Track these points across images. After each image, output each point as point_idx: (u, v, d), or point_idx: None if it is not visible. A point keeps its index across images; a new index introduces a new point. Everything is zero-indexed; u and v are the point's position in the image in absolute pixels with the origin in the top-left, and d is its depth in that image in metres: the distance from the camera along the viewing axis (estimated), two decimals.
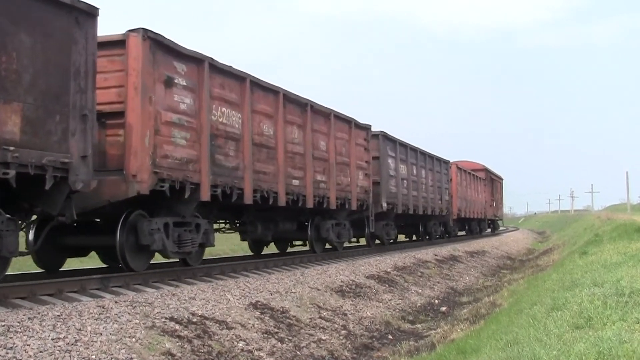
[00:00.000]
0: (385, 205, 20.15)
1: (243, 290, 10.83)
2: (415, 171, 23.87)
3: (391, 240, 23.19)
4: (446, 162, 29.22)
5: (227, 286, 10.86)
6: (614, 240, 17.08)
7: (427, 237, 27.48)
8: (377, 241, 21.83)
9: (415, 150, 24.16)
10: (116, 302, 8.50)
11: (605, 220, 35.87)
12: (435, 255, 22.51)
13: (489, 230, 46.16)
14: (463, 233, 36.67)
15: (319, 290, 12.45)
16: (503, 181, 51.67)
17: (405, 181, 22.59)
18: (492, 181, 44.32)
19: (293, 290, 11.72)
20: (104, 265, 12.24)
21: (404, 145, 22.80)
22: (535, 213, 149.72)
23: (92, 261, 13.30)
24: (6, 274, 8.68)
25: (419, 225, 26.88)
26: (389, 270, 16.85)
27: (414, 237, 28.30)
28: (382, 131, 20.48)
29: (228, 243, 22.28)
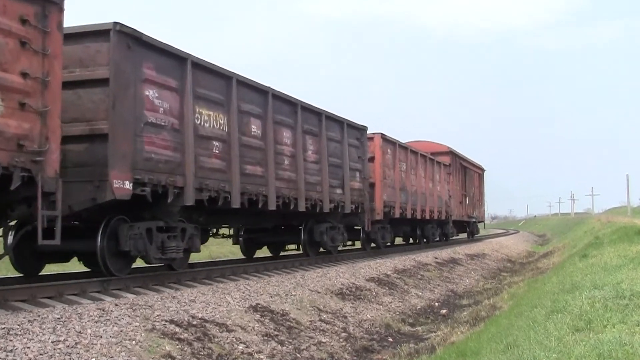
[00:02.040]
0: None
1: (243, 293, 10.82)
2: (271, 132, 13.65)
3: (388, 244, 23.17)
4: (360, 130, 18.60)
5: (227, 289, 10.86)
6: (615, 243, 17.08)
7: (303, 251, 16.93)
8: (372, 244, 21.67)
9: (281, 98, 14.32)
10: (116, 304, 8.50)
11: (605, 223, 35.87)
12: (436, 258, 22.51)
13: (458, 236, 35.06)
14: (415, 241, 27.36)
15: (319, 292, 12.45)
16: (485, 173, 41.71)
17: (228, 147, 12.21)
18: (464, 170, 34.03)
19: (293, 293, 11.72)
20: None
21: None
22: (535, 216, 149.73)
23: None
24: (6, 276, 8.69)
25: (277, 232, 17.09)
26: (389, 272, 16.85)
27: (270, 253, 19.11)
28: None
29: (228, 245, 22.26)
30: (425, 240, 27.35)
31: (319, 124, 16.10)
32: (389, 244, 23.67)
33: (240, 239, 17.12)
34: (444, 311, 14.25)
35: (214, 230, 14.62)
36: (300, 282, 12.75)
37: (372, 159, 19.94)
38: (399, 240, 27.04)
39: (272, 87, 13.63)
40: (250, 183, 12.58)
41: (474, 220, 37.19)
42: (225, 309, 9.61)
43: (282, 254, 18.56)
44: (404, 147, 23.07)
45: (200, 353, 7.77)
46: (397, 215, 21.56)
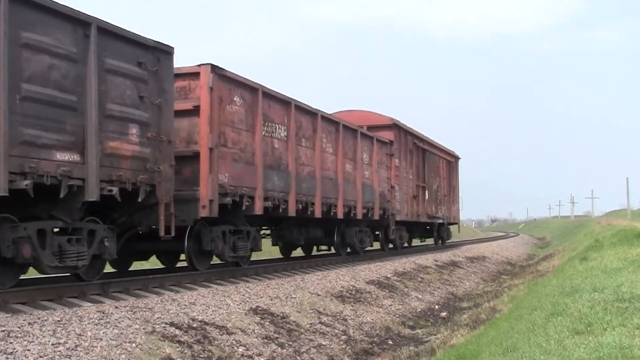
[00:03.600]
0: None
1: (243, 295, 10.83)
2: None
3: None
4: (166, 52, 10.47)
5: (227, 291, 10.86)
6: (614, 246, 17.08)
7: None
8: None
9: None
10: (116, 307, 8.51)
11: (605, 226, 35.87)
12: (436, 260, 22.51)
13: (423, 242, 29.68)
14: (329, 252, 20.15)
15: (319, 295, 12.45)
16: (459, 162, 32.56)
17: None
18: (422, 154, 25.03)
19: (293, 296, 11.72)
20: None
21: None
22: (535, 219, 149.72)
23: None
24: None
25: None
26: (389, 275, 16.85)
27: None
28: None
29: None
30: (349, 249, 19.30)
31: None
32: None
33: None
34: (444, 314, 14.25)
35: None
36: (300, 285, 12.75)
37: (195, 111, 11.61)
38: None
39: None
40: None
41: (440, 221, 27.57)
42: (225, 312, 9.61)
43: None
44: (281, 101, 14.12)
45: (201, 356, 7.77)
46: (258, 209, 12.89)
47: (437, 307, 15.28)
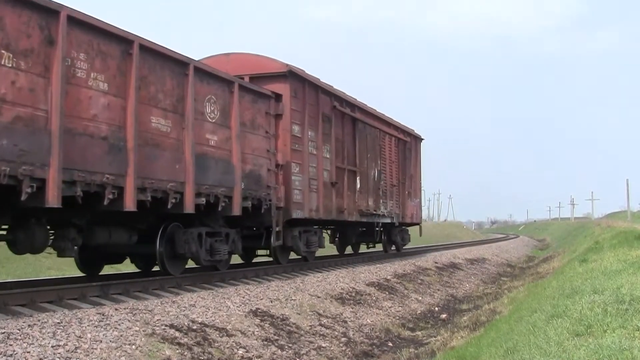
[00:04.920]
0: None
1: (243, 297, 10.83)
2: None
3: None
4: None
5: (227, 293, 10.87)
6: (614, 248, 17.07)
7: None
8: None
9: None
10: (116, 309, 8.51)
11: (605, 228, 35.87)
12: (436, 262, 22.51)
13: (362, 249, 23.25)
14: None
15: (319, 297, 12.45)
16: (421, 144, 25.87)
17: None
18: (350, 123, 18.15)
19: (293, 298, 11.72)
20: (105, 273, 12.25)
21: None
22: (535, 221, 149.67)
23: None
24: (5, 280, 8.71)
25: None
26: (389, 277, 16.85)
27: None
28: None
29: None
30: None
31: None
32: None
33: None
34: (443, 316, 14.25)
35: None
36: (300, 287, 12.75)
37: None
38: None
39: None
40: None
41: (387, 221, 20.77)
42: (225, 314, 9.61)
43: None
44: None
45: (200, 358, 7.77)
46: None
47: (437, 309, 15.28)
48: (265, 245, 14.44)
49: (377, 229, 20.41)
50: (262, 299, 11.01)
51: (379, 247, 23.08)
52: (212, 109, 11.79)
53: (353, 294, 13.69)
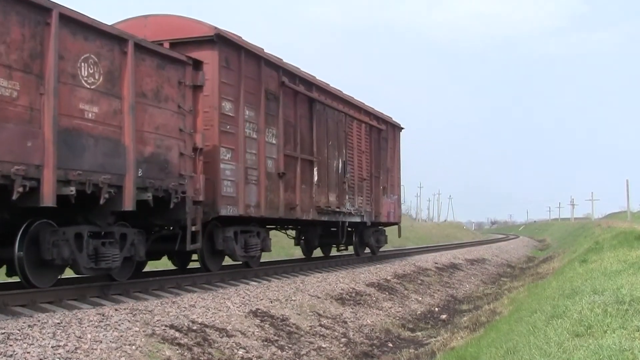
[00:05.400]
0: None
1: (243, 298, 10.83)
2: None
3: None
4: None
5: (227, 294, 10.87)
6: (614, 248, 17.08)
7: None
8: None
9: None
10: (116, 309, 8.52)
11: (605, 228, 35.88)
12: (436, 263, 22.52)
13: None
14: None
15: (319, 298, 12.45)
16: (401, 133, 23.00)
17: None
18: (307, 104, 15.47)
19: (293, 298, 11.72)
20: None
21: None
22: (535, 221, 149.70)
23: None
24: (6, 281, 8.71)
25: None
26: (389, 278, 16.86)
27: None
28: None
29: None
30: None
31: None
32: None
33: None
34: (444, 316, 14.25)
35: None
36: (300, 287, 12.75)
37: None
38: None
39: None
40: None
41: (358, 220, 18.40)
42: (225, 314, 9.61)
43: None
44: None
45: (200, 358, 7.77)
46: None
47: (437, 309, 15.28)
48: (180, 249, 11.11)
49: (342, 229, 17.62)
50: (262, 300, 11.01)
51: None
52: (92, 71, 9.06)
53: (353, 295, 13.69)
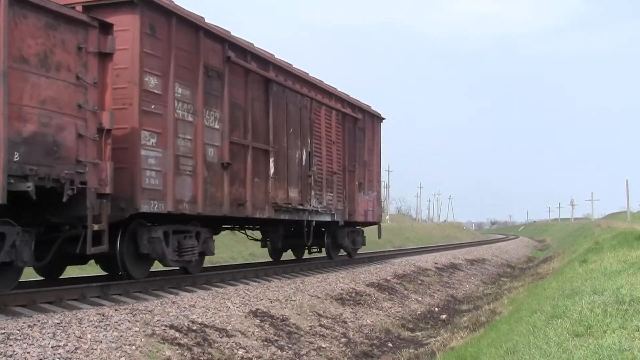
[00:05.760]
0: None
1: (243, 298, 10.83)
2: None
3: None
4: None
5: (227, 294, 10.88)
6: (614, 248, 17.08)
7: None
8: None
9: None
10: (116, 309, 8.52)
11: (605, 228, 35.90)
12: (435, 263, 22.53)
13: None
14: None
15: (319, 298, 12.45)
16: (382, 124, 20.90)
17: None
18: (262, 85, 13.46)
19: (293, 298, 11.72)
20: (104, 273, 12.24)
21: None
22: (535, 221, 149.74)
23: (93, 269, 13.31)
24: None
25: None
26: (389, 278, 16.86)
27: None
28: None
29: (228, 252, 22.28)
30: None
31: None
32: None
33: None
34: (443, 316, 14.25)
35: None
36: (300, 287, 12.76)
37: None
38: None
39: None
40: None
41: (327, 219, 16.45)
42: (225, 314, 9.62)
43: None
44: None
45: (200, 358, 7.77)
46: None
47: (437, 309, 15.28)
48: (81, 252, 9.03)
49: (309, 228, 15.58)
50: (262, 300, 11.01)
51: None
52: None
53: (353, 295, 13.69)
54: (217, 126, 11.79)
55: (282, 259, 17.81)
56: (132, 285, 10.23)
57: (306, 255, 18.90)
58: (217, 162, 11.77)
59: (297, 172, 14.85)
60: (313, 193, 15.54)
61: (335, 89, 17.56)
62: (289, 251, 18.21)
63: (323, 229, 17.12)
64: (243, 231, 15.76)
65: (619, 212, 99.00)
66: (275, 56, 14.24)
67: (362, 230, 19.88)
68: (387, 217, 69.50)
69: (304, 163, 15.19)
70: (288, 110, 14.53)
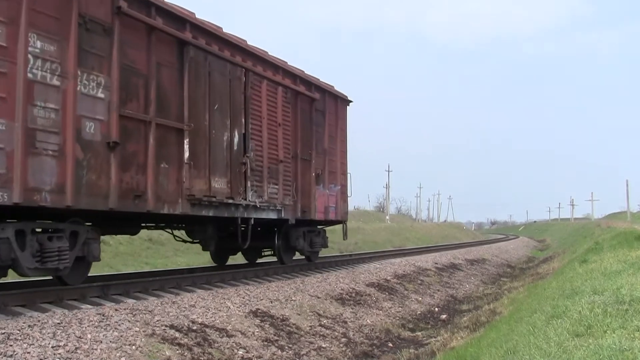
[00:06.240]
0: None
1: (243, 298, 10.84)
2: None
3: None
4: None
5: (227, 294, 10.88)
6: (614, 248, 17.08)
7: None
8: None
9: None
10: (116, 309, 8.52)
11: (605, 229, 35.90)
12: (435, 263, 22.52)
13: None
14: None
15: (319, 298, 12.45)
16: (348, 108, 17.85)
17: None
18: (176, 48, 10.84)
19: (293, 298, 11.72)
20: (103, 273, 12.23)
21: None
22: (535, 221, 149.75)
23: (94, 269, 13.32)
24: (5, 281, 8.70)
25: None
26: (389, 278, 16.85)
27: None
28: None
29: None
30: None
31: None
32: None
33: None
34: (443, 316, 14.25)
35: None
36: (300, 287, 12.76)
37: None
38: None
39: None
40: None
41: (272, 216, 13.86)
42: (225, 314, 9.62)
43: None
44: None
45: (201, 358, 7.77)
46: None
47: (437, 309, 15.28)
48: None
49: (246, 228, 13.03)
50: (262, 300, 11.01)
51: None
52: None
53: (353, 295, 13.69)
54: (100, 94, 9.16)
55: (228, 263, 15.78)
56: (131, 285, 10.24)
57: (273, 259, 16.27)
58: (101, 141, 9.11)
59: (224, 158, 12.02)
60: (249, 184, 12.78)
61: (285, 62, 14.59)
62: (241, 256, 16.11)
63: (276, 229, 14.83)
64: (169, 230, 12.99)
65: (619, 212, 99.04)
66: (196, 15, 11.52)
67: (324, 231, 17.04)
68: (387, 217, 69.62)
69: (235, 147, 12.37)
70: (212, 81, 11.73)
